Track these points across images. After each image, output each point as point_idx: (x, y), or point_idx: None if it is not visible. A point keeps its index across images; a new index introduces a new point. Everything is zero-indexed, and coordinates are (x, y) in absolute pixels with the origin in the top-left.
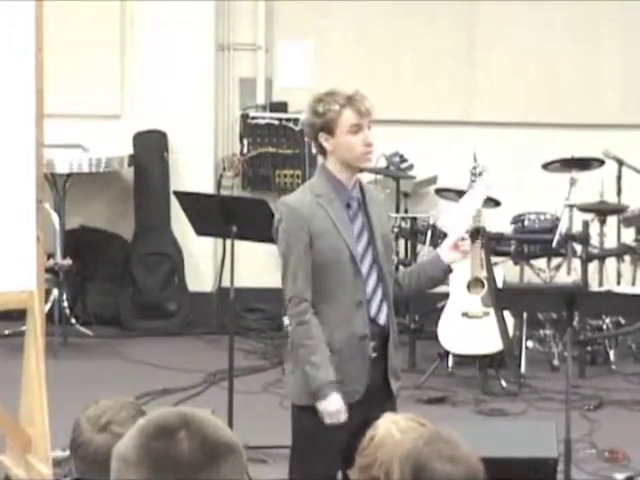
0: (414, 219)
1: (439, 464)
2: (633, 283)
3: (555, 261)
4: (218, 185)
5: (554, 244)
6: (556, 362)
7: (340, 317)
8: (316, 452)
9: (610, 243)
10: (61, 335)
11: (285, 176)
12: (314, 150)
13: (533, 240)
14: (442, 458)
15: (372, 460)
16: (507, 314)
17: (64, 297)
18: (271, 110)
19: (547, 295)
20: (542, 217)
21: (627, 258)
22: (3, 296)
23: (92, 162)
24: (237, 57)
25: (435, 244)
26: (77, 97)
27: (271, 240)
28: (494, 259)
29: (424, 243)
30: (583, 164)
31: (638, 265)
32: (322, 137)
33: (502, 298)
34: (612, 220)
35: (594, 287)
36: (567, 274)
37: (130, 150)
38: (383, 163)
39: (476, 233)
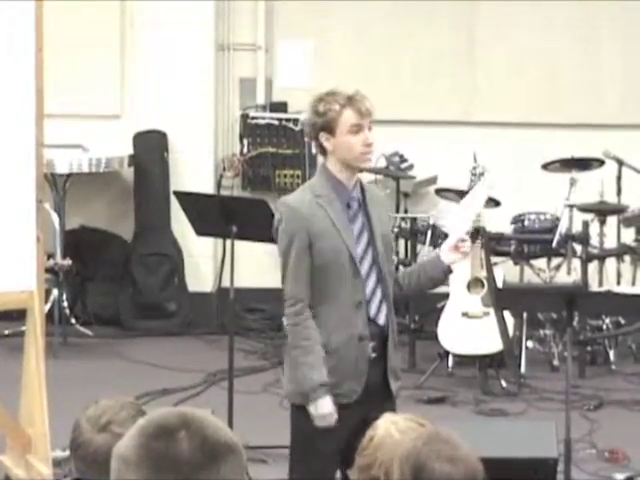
0: (414, 219)
1: (438, 464)
2: (633, 283)
3: (555, 261)
4: (218, 185)
5: (554, 244)
6: (556, 362)
7: (339, 317)
8: (315, 452)
9: (610, 243)
10: (61, 335)
11: (285, 176)
12: (314, 150)
13: (533, 240)
14: (441, 458)
15: (372, 460)
16: (507, 314)
17: (64, 297)
18: (271, 110)
19: (547, 295)
20: (542, 217)
21: (627, 258)
22: (3, 296)
23: (92, 162)
24: (237, 57)
25: (435, 244)
26: (77, 97)
27: (271, 240)
28: (494, 259)
29: (424, 243)
30: (583, 164)
31: (638, 265)
32: (322, 137)
33: (502, 298)
34: (612, 220)
35: (594, 287)
36: (567, 274)
37: (130, 150)
38: (383, 163)
39: (476, 233)
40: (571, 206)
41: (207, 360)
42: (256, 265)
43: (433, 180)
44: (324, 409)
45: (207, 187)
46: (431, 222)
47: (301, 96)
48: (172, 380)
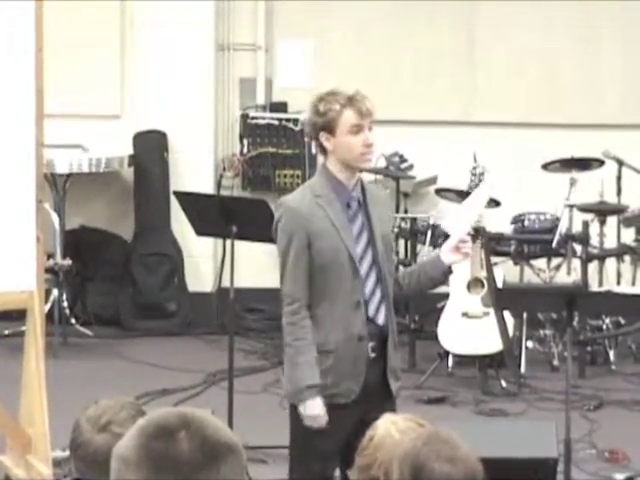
0: (414, 219)
1: (438, 464)
2: (633, 283)
3: (555, 261)
4: (218, 185)
5: (554, 244)
6: (556, 362)
7: (338, 317)
8: (314, 452)
9: (610, 243)
10: (61, 335)
11: (285, 176)
12: (314, 150)
13: (533, 240)
14: (441, 458)
15: (371, 460)
16: (507, 314)
17: (64, 297)
18: (271, 110)
19: (547, 295)
20: (542, 217)
21: (627, 258)
22: (3, 296)
23: (92, 162)
24: (237, 57)
25: (435, 244)
26: (77, 97)
27: (271, 240)
28: (494, 259)
29: (424, 243)
30: (583, 164)
31: (638, 265)
32: (323, 136)
33: (502, 298)
34: (612, 220)
35: (594, 287)
36: (567, 274)
37: (130, 150)
38: (383, 163)
39: (476, 233)
40: (571, 206)
41: (207, 360)
42: (256, 265)
43: (433, 180)
44: (312, 410)
45: (207, 187)
46: (431, 222)
47: (301, 96)
48: (172, 380)
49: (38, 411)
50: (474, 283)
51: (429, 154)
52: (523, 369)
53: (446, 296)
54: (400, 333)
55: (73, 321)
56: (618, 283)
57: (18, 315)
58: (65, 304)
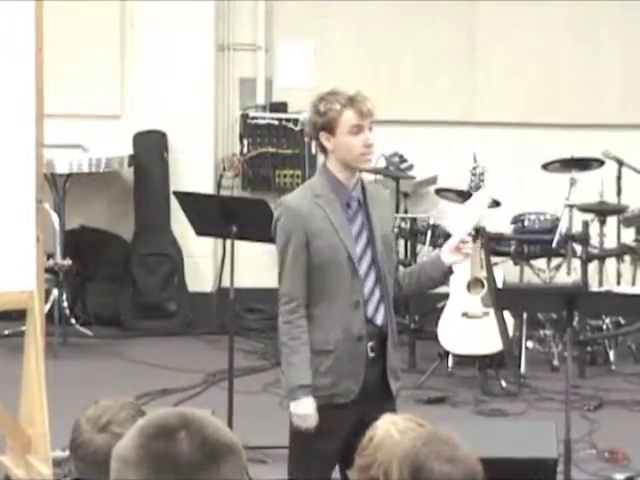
0: (414, 219)
1: (437, 464)
2: (633, 283)
3: (555, 261)
4: (218, 185)
5: (554, 244)
6: (556, 362)
7: (337, 317)
8: (313, 452)
9: (610, 243)
10: (61, 335)
11: (285, 176)
12: (314, 150)
13: (533, 240)
14: (440, 458)
15: (371, 460)
16: (507, 314)
17: (64, 297)
18: (271, 110)
19: (547, 295)
20: (542, 217)
21: (627, 258)
22: (3, 296)
23: (92, 162)
24: (237, 57)
25: (435, 244)
26: (77, 97)
27: (271, 240)
28: (494, 259)
29: (424, 243)
30: (583, 164)
31: (638, 265)
32: (323, 136)
33: (502, 298)
34: (612, 220)
35: (594, 287)
36: (567, 274)
37: (130, 150)
38: (383, 163)
39: (476, 233)
40: (571, 206)
41: (207, 360)
42: (256, 265)
43: (433, 180)
44: (302, 409)
45: (207, 187)
46: (431, 222)
47: (301, 96)
48: (172, 380)
49: (38, 411)
50: (474, 283)
51: (429, 154)
52: (523, 369)
53: (446, 296)
54: (400, 333)
55: (73, 321)
56: (618, 283)
57: (18, 315)
58: (65, 304)
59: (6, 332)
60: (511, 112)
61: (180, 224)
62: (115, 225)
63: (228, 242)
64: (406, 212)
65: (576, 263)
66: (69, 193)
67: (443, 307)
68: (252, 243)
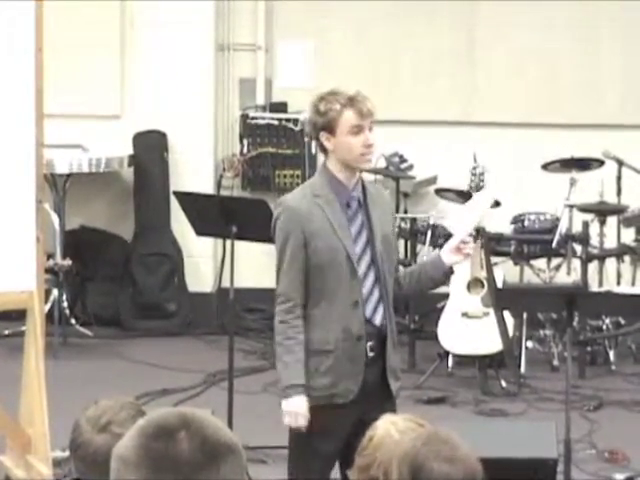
0: (414, 219)
1: (437, 464)
2: (633, 283)
3: (555, 261)
4: (218, 185)
5: (554, 244)
6: (556, 362)
7: (336, 317)
8: (312, 452)
9: (610, 243)
10: (61, 335)
11: (285, 176)
12: (314, 150)
13: (533, 240)
14: (440, 458)
15: (371, 460)
16: (507, 314)
17: (64, 297)
18: (271, 110)
19: (547, 295)
20: (542, 217)
21: (627, 258)
22: (3, 296)
23: (92, 162)
24: (237, 57)
25: (435, 244)
26: (77, 97)
27: (271, 240)
28: (494, 259)
29: (424, 243)
30: (583, 164)
31: (638, 265)
32: (323, 136)
33: (502, 298)
34: (612, 220)
35: (594, 287)
36: (567, 274)
37: (130, 150)
38: (383, 163)
39: (476, 233)
40: (571, 206)
41: (207, 360)
42: (256, 265)
43: (433, 180)
44: (294, 407)
45: (207, 187)
46: (431, 222)
47: (301, 96)
48: (172, 380)
49: (38, 411)
50: (474, 283)
51: (429, 154)
52: (523, 369)
53: (446, 296)
54: (400, 333)
55: (73, 321)
56: (618, 283)
57: (18, 315)
58: (65, 304)
59: (6, 332)
60: (511, 112)
61: (180, 224)
62: (115, 225)
63: (228, 242)
64: (406, 212)
65: (576, 263)
66: (69, 193)
67: (443, 307)
68: (252, 243)
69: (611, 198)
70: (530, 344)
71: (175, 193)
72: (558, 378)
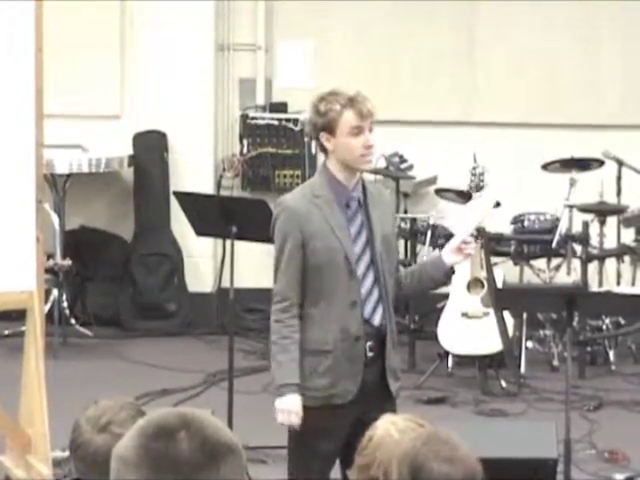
0: (414, 219)
1: (436, 464)
2: (633, 283)
3: (555, 261)
4: (218, 185)
5: (554, 244)
6: (556, 362)
7: (334, 317)
8: (312, 452)
9: (610, 243)
10: (61, 335)
11: (285, 176)
12: (314, 150)
13: (533, 240)
14: (440, 458)
15: (371, 460)
16: (507, 314)
17: (64, 297)
18: (271, 110)
19: (547, 295)
20: (542, 217)
21: (627, 258)
22: (3, 296)
23: (92, 162)
24: (237, 57)
25: (435, 244)
26: (77, 97)
27: (270, 240)
28: (494, 259)
29: (424, 243)
30: (583, 164)
31: (638, 265)
32: (323, 137)
33: (502, 298)
34: (612, 220)
35: (594, 287)
36: (567, 274)
37: (130, 150)
38: (383, 163)
39: (476, 233)
40: (571, 206)
41: (207, 360)
42: (256, 265)
43: (433, 180)
44: (287, 405)
45: (207, 187)
46: (431, 222)
47: (301, 96)
48: (172, 380)
49: (38, 411)
50: (474, 283)
51: (429, 154)
52: (523, 369)
53: (446, 296)
54: (400, 333)
55: (73, 321)
56: (618, 283)
57: (18, 315)
58: (65, 304)
59: (6, 332)
60: (511, 112)
61: (180, 224)
62: (115, 225)
63: (228, 242)
64: (406, 212)
65: (576, 263)
66: (69, 193)
67: (443, 307)
68: (252, 243)
69: (611, 198)
70: (530, 344)
71: (175, 193)
72: (558, 378)
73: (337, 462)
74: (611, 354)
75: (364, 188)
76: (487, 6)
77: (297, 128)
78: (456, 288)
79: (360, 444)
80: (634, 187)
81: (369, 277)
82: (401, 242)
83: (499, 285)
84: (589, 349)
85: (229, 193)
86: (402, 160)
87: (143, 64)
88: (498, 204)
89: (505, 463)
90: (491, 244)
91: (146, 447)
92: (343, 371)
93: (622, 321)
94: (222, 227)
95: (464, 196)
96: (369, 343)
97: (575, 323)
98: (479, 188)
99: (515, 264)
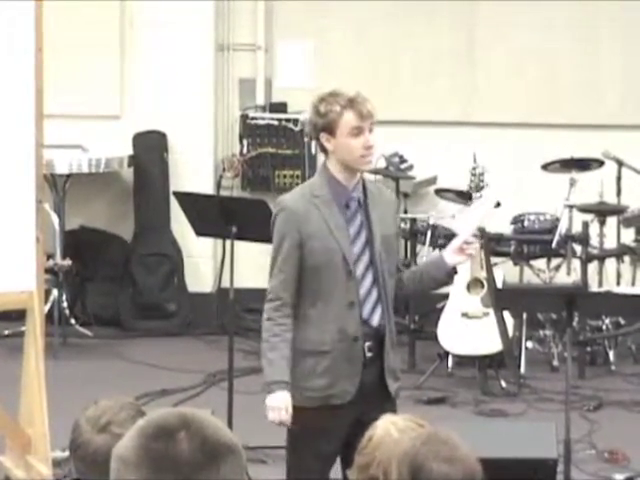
0: (414, 220)
1: (436, 464)
2: (633, 283)
3: (555, 261)
4: (218, 186)
5: (554, 245)
6: (556, 363)
7: (332, 318)
8: (310, 452)
9: (610, 244)
10: (61, 336)
11: (285, 176)
12: (314, 150)
13: (533, 240)
14: (439, 458)
15: (370, 459)
16: (507, 314)
17: (64, 297)
18: (271, 110)
19: (547, 295)
20: (542, 217)
21: (627, 259)
22: (3, 296)
23: (92, 162)
24: (237, 57)
25: (435, 244)
26: (77, 97)
27: (270, 240)
28: (494, 259)
29: (424, 244)
30: (583, 165)
31: (638, 265)
32: (323, 137)
33: (502, 298)
34: (612, 221)
35: (594, 288)
36: (567, 274)
37: (130, 150)
38: (383, 163)
39: (479, 233)
40: (571, 206)
41: (207, 360)
42: (256, 265)
43: (433, 180)
44: (276, 402)
45: (207, 187)
46: (431, 222)
47: (301, 96)
48: (172, 381)
49: (38, 411)
50: (474, 283)
51: (429, 154)
52: (523, 369)
53: (446, 296)
54: (400, 333)
55: (73, 321)
56: (618, 283)
57: (18, 315)
58: (65, 304)
59: (6, 332)
60: (511, 112)
61: (180, 224)
62: (115, 225)
63: (228, 242)
64: (406, 212)
65: (576, 263)
66: (69, 193)
67: (443, 307)
68: (252, 243)
69: (611, 198)
70: (530, 344)
71: (175, 193)
72: (558, 378)
73: (337, 462)
74: (611, 354)
75: (365, 188)
76: (487, 6)
77: (297, 128)
78: (456, 288)
79: (360, 444)
80: (634, 187)
81: (368, 277)
82: (401, 242)
83: (499, 285)
84: (589, 349)
85: (229, 193)
86: (402, 160)
87: (143, 64)
88: (498, 204)
89: (505, 463)
90: (491, 244)
91: (146, 447)
92: (341, 372)
93: (622, 321)
94: (222, 227)
95: (464, 196)
96: (368, 343)
97: (575, 323)
98: (479, 188)
99: (515, 264)
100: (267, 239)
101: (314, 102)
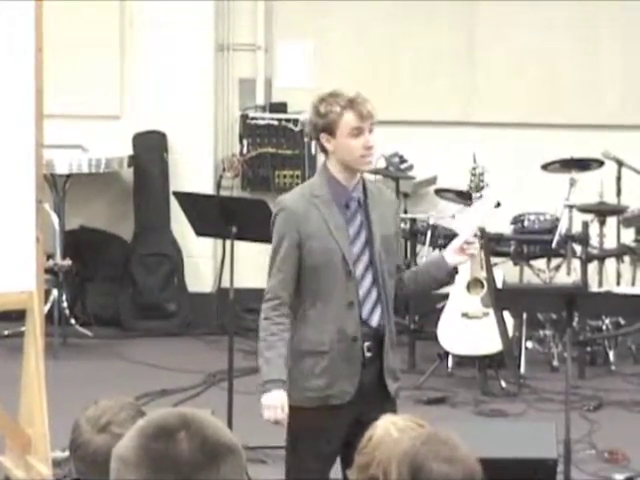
0: (414, 220)
1: (436, 464)
2: (633, 283)
3: (555, 261)
4: (218, 186)
5: (554, 245)
6: (556, 363)
7: (331, 318)
8: (310, 452)
9: (610, 244)
10: (61, 336)
11: (285, 177)
12: (314, 151)
13: (533, 240)
14: (439, 458)
15: (370, 459)
16: (507, 314)
17: (64, 298)
18: (271, 111)
19: (547, 295)
20: (542, 217)
21: (627, 259)
22: (3, 296)
23: (92, 163)
24: (237, 57)
25: (435, 245)
26: (77, 97)
27: (270, 240)
28: (494, 259)
29: (424, 244)
30: (583, 165)
31: (638, 266)
32: (323, 138)
33: (502, 298)
34: (612, 221)
35: (594, 288)
36: (567, 275)
37: (130, 151)
38: (382, 163)
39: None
40: (571, 206)
41: (207, 361)
42: (256, 265)
43: (433, 180)
44: (271, 401)
45: (207, 187)
46: (431, 222)
47: (301, 96)
48: (172, 381)
49: (38, 411)
50: (474, 283)
51: (429, 154)
52: (523, 369)
53: (446, 296)
54: (400, 333)
55: (73, 321)
56: (618, 283)
57: (18, 315)
58: (65, 304)
59: (6, 332)
60: (511, 112)
61: (180, 224)
62: (115, 225)
63: (228, 242)
64: (406, 212)
65: (576, 263)
66: (69, 193)
67: (443, 307)
68: (252, 243)
69: (611, 198)
70: (530, 344)
71: (175, 193)
72: (558, 378)
73: (337, 462)
74: (611, 354)
75: (365, 188)
76: (487, 6)
77: (297, 128)
78: (456, 288)
79: (360, 443)
80: (634, 187)
81: (367, 278)
82: (401, 242)
83: (499, 285)
84: (589, 349)
85: (229, 193)
86: (402, 160)
87: (143, 64)
88: (498, 204)
89: (505, 463)
90: (491, 244)
91: (146, 447)
92: (340, 372)
93: (622, 321)
94: (222, 227)
95: (464, 196)
96: (367, 344)
97: (575, 323)
98: (479, 188)
99: (515, 264)
100: (267, 239)
101: (314, 102)
